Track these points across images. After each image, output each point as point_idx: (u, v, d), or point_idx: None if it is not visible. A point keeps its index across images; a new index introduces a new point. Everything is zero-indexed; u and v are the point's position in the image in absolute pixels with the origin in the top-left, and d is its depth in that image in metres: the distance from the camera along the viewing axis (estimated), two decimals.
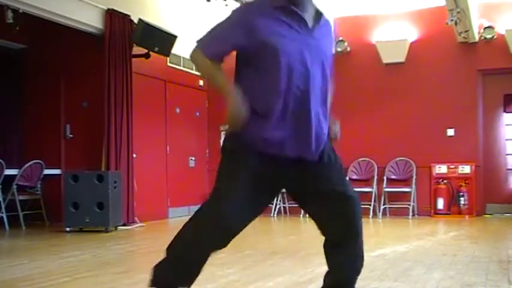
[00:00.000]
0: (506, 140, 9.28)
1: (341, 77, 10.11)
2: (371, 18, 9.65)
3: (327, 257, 2.74)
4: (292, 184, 2.61)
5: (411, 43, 9.36)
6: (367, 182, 9.32)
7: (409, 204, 8.97)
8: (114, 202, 7.17)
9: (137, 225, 7.93)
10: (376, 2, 9.55)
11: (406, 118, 9.36)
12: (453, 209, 8.99)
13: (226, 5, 7.65)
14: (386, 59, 9.40)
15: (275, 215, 9.55)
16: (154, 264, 2.58)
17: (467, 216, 8.78)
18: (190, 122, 10.02)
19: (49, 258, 5.15)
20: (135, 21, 7.98)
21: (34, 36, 8.56)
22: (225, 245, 2.54)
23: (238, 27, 2.45)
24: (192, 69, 10.02)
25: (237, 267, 4.45)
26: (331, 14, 9.66)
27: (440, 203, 9.00)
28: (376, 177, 9.25)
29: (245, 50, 2.47)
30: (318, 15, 2.57)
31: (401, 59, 9.37)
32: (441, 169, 9.11)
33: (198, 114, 10.26)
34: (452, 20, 7.86)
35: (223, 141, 2.62)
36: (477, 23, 8.87)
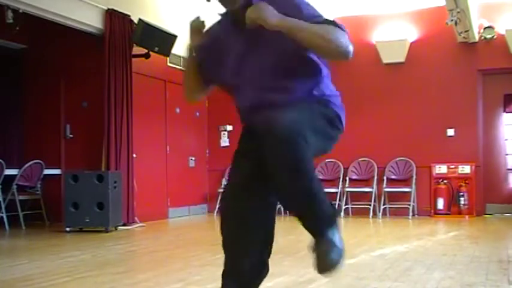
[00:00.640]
0: (506, 140, 9.28)
1: (341, 77, 10.16)
2: (371, 18, 9.65)
3: None
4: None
5: (411, 43, 9.36)
6: (367, 182, 9.32)
7: (409, 204, 8.97)
8: (114, 202, 7.18)
9: (137, 225, 7.93)
10: (376, 2, 9.55)
11: (406, 118, 9.36)
12: (453, 209, 8.99)
13: None
14: (386, 59, 9.40)
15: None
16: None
17: (467, 216, 8.78)
18: (190, 122, 10.02)
19: (49, 258, 5.15)
20: (135, 21, 7.98)
21: (34, 36, 8.56)
22: None
23: None
24: None
25: None
26: (331, 14, 9.67)
27: (440, 203, 9.00)
28: (376, 177, 9.25)
29: None
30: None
31: (401, 59, 9.37)
32: (441, 169, 9.11)
33: (198, 114, 10.26)
34: (452, 20, 7.86)
35: None
36: (477, 23, 8.87)
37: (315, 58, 2.39)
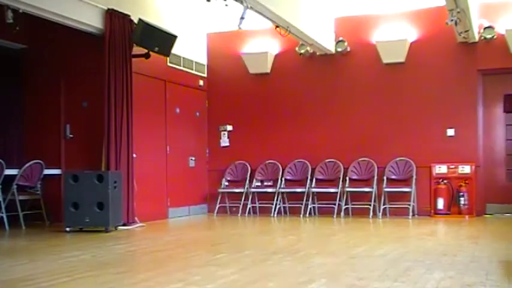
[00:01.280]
0: (506, 140, 9.28)
1: (341, 77, 10.20)
2: (371, 18, 9.65)
3: None
4: None
5: (411, 43, 9.36)
6: (367, 182, 9.32)
7: (409, 204, 8.97)
8: (114, 202, 7.18)
9: (137, 225, 7.93)
10: (376, 2, 9.56)
11: (406, 118, 9.36)
12: (453, 209, 8.99)
13: (226, 5, 7.64)
14: (386, 59, 9.40)
15: (275, 215, 9.55)
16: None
17: (467, 216, 8.78)
18: (190, 122, 10.03)
19: (49, 259, 5.15)
20: (135, 21, 7.99)
21: (34, 36, 8.56)
22: None
23: None
24: (192, 69, 10.04)
25: (237, 267, 4.45)
26: (331, 14, 9.68)
27: (440, 203, 9.00)
28: (376, 177, 9.25)
29: None
30: None
31: (401, 59, 9.37)
32: (441, 169, 9.11)
33: (198, 114, 10.27)
34: (452, 20, 7.86)
35: None
36: (477, 23, 8.87)
37: None
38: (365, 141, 9.46)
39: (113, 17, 7.77)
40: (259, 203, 9.92)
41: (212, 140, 10.47)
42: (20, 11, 6.80)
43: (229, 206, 10.04)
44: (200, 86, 10.28)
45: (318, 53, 9.76)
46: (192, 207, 9.96)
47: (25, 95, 8.89)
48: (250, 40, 10.25)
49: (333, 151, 9.61)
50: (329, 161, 9.60)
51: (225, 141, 10.41)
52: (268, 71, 10.11)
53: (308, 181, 9.53)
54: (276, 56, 10.12)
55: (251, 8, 7.16)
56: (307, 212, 9.41)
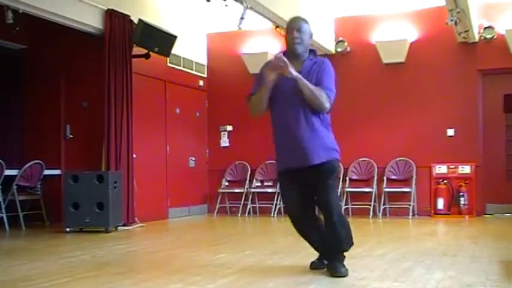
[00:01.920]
0: (506, 140, 9.28)
1: (341, 77, 10.14)
2: (371, 18, 9.65)
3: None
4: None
5: (411, 43, 9.36)
6: (367, 182, 9.32)
7: (409, 204, 8.97)
8: (114, 202, 7.18)
9: (137, 225, 7.93)
10: (376, 2, 9.56)
11: (406, 118, 9.36)
12: (453, 209, 8.98)
13: (226, 5, 7.63)
14: (386, 59, 9.40)
15: (275, 215, 9.55)
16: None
17: (467, 216, 8.78)
18: (190, 122, 10.03)
19: (49, 259, 5.15)
20: (135, 21, 7.99)
21: (34, 36, 8.55)
22: None
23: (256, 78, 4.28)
24: (192, 69, 10.04)
25: (237, 267, 4.45)
26: (331, 14, 9.68)
27: (440, 203, 9.00)
28: (376, 177, 9.25)
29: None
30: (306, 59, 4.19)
31: (401, 59, 9.36)
32: (441, 169, 9.11)
33: (198, 114, 10.27)
34: (452, 20, 7.86)
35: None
36: (477, 23, 8.87)
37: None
38: (365, 141, 9.46)
39: (112, 17, 7.77)
40: (259, 203, 9.92)
41: (212, 140, 10.47)
42: (20, 11, 6.80)
43: (229, 206, 10.04)
44: (200, 86, 10.28)
45: (318, 53, 9.74)
46: (192, 207, 9.96)
47: (25, 95, 8.89)
48: (250, 40, 10.25)
49: None
50: None
51: (225, 142, 10.41)
52: None
53: None
54: None
55: (251, 8, 7.16)
56: None
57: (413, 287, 3.67)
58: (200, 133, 10.33)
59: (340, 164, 9.49)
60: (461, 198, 8.89)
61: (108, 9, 7.73)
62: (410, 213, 8.94)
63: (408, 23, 9.42)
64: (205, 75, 10.39)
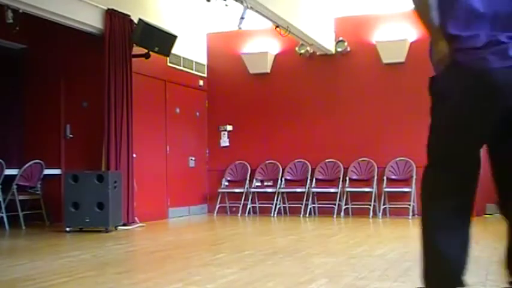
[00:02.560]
0: None
1: (341, 77, 10.20)
2: (371, 18, 9.65)
3: None
4: None
5: (411, 43, 9.35)
6: (367, 182, 9.32)
7: (409, 204, 8.97)
8: (114, 202, 7.18)
9: (137, 225, 7.93)
10: (376, 2, 9.55)
11: (406, 118, 9.35)
12: None
13: (226, 5, 7.64)
14: (386, 59, 9.40)
15: (275, 215, 9.55)
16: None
17: None
18: (190, 122, 10.03)
19: (49, 258, 5.15)
20: (135, 21, 7.99)
21: (34, 36, 8.55)
22: None
23: None
24: (192, 69, 10.04)
25: (237, 267, 4.45)
26: (331, 14, 9.68)
27: None
28: (376, 177, 9.25)
29: None
30: None
31: (401, 59, 9.36)
32: None
33: (198, 114, 10.27)
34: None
35: None
36: None
37: None
38: (365, 141, 9.45)
39: (112, 17, 7.77)
40: (259, 203, 9.92)
41: (212, 140, 10.47)
42: (20, 11, 6.80)
43: (229, 206, 10.04)
44: (200, 86, 10.28)
45: (318, 53, 9.75)
46: (192, 207, 9.96)
47: (25, 95, 8.88)
48: (250, 40, 10.25)
49: (333, 151, 9.60)
50: (329, 161, 9.60)
51: (225, 141, 10.41)
52: (268, 71, 10.11)
53: (308, 181, 9.53)
54: (276, 56, 10.12)
55: (251, 8, 7.17)
56: (307, 212, 9.41)
57: (413, 287, 3.67)
58: (200, 133, 10.33)
59: (340, 164, 9.59)
60: None
61: (108, 9, 7.73)
62: (411, 213, 8.93)
63: (408, 23, 9.41)
64: (205, 75, 10.39)
